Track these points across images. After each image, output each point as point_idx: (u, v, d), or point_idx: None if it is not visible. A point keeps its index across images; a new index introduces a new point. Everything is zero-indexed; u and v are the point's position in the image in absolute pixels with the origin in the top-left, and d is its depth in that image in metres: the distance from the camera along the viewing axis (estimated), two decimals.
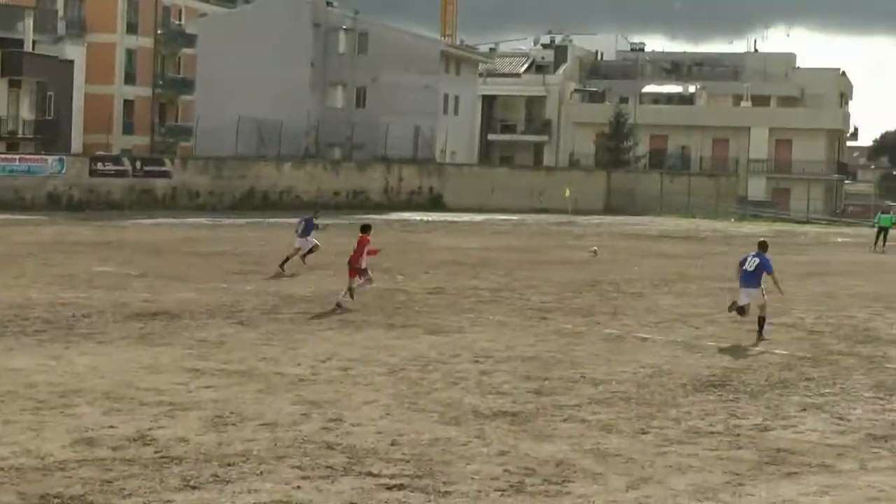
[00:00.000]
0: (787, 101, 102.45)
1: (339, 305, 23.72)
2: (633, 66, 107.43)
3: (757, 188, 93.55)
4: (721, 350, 19.72)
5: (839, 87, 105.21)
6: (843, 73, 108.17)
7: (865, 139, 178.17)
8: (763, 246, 21.76)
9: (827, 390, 16.27)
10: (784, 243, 51.10)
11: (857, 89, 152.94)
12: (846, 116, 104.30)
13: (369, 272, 24.71)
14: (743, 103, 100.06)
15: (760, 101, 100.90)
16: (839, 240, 58.73)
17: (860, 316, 25.17)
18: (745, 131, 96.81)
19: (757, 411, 14.69)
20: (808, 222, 77.33)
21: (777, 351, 19.73)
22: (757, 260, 21.31)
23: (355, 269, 24.27)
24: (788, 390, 16.19)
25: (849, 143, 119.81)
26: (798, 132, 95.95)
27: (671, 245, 48.44)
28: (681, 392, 15.85)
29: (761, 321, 21.32)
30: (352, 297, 24.37)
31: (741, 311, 21.47)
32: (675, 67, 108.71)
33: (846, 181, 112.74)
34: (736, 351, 19.68)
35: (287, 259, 31.58)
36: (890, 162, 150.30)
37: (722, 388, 16.18)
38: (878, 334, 22.38)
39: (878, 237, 51.76)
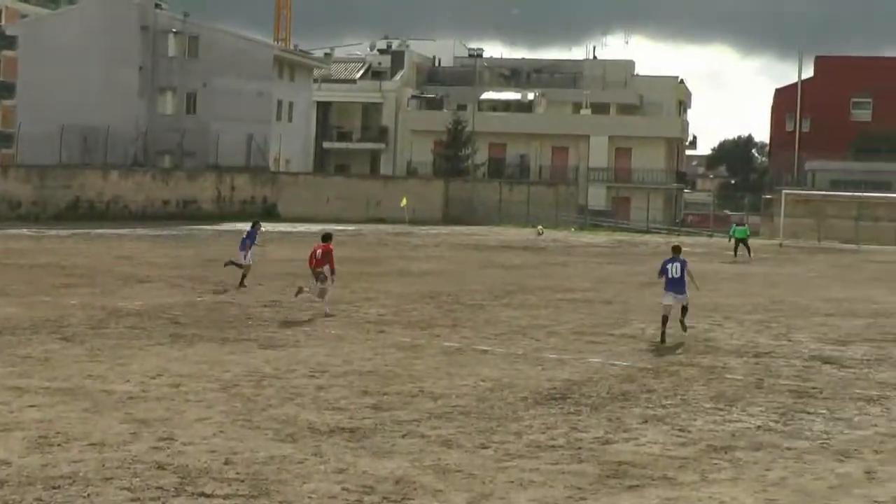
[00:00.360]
0: (627, 109, 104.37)
1: (327, 315, 25.46)
2: (472, 73, 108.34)
3: (597, 197, 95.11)
4: (562, 362, 19.98)
5: (677, 95, 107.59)
6: (682, 81, 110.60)
7: (704, 148, 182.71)
8: (678, 250, 24.07)
9: (668, 402, 16.61)
10: (624, 253, 52.16)
11: (696, 97, 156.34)
12: (685, 125, 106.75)
13: (329, 278, 26.33)
14: (582, 111, 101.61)
15: (600, 108, 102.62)
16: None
17: (700, 326, 25.77)
18: (584, 139, 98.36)
19: (598, 424, 14.92)
20: (648, 232, 78.93)
21: (618, 363, 20.09)
22: (679, 265, 23.48)
23: (317, 273, 26.29)
24: (629, 402, 16.49)
25: (687, 152, 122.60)
26: (637, 140, 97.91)
27: (511, 255, 48.95)
28: (521, 405, 16.01)
29: (685, 310, 23.67)
30: (297, 294, 26.75)
31: (665, 320, 23.18)
32: (513, 74, 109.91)
33: (685, 190, 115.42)
34: (577, 363, 19.97)
35: (244, 275, 31.69)
36: (728, 171, 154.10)
37: (563, 401, 16.40)
38: (718, 344, 22.95)
39: (736, 248, 53.79)
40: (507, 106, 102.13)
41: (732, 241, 55.48)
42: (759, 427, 15.05)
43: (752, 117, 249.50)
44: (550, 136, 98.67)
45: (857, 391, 17.92)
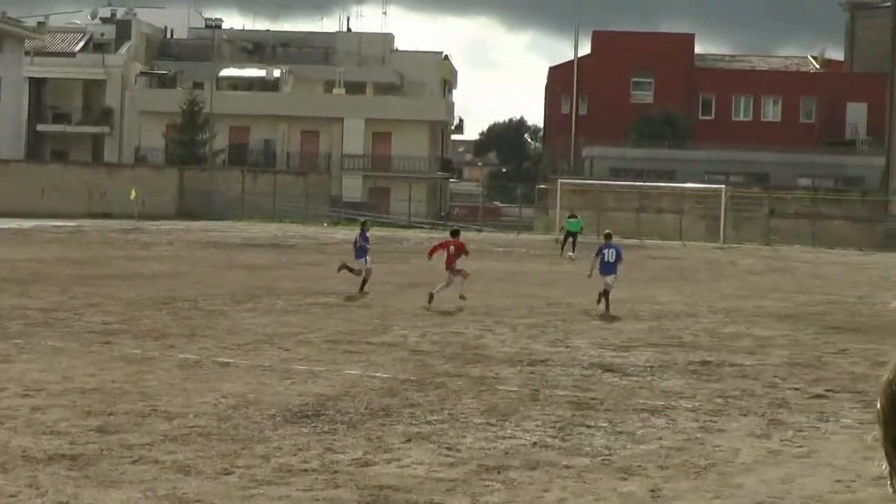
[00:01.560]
0: (385, 89, 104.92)
1: (430, 296, 30.92)
2: (209, 46, 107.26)
3: (352, 188, 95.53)
4: (314, 375, 19.98)
5: (442, 74, 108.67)
6: (446, 58, 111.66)
7: (471, 132, 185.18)
8: (609, 236, 31.95)
9: (434, 417, 16.78)
10: (384, 251, 52.48)
11: (462, 76, 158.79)
12: (450, 106, 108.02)
13: (462, 270, 32.00)
14: (335, 90, 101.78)
15: (355, 88, 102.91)
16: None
17: (469, 332, 26.14)
18: (338, 122, 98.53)
19: (356, 444, 14.97)
20: (410, 226, 79.60)
21: (378, 374, 20.19)
22: (614, 250, 30.95)
23: (450, 268, 31.91)
24: (391, 419, 16.59)
25: (453, 137, 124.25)
26: (398, 124, 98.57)
27: (256, 254, 48.72)
28: (269, 424, 15.94)
29: (607, 294, 30.83)
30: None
31: (604, 296, 30.83)
32: (257, 48, 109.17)
33: (451, 180, 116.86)
34: (331, 375, 19.99)
35: (364, 281, 34.80)
36: (499, 158, 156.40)
37: (316, 419, 16.39)
38: (489, 352, 23.31)
39: (564, 242, 54.46)
40: (249, 84, 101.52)
41: (563, 234, 56.14)
42: (534, 443, 15.32)
43: (524, 99, 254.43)
44: (299, 119, 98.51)
45: (641, 402, 18.45)
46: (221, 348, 22.67)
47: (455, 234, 33.66)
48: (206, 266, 41.67)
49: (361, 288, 34.47)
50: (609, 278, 31.22)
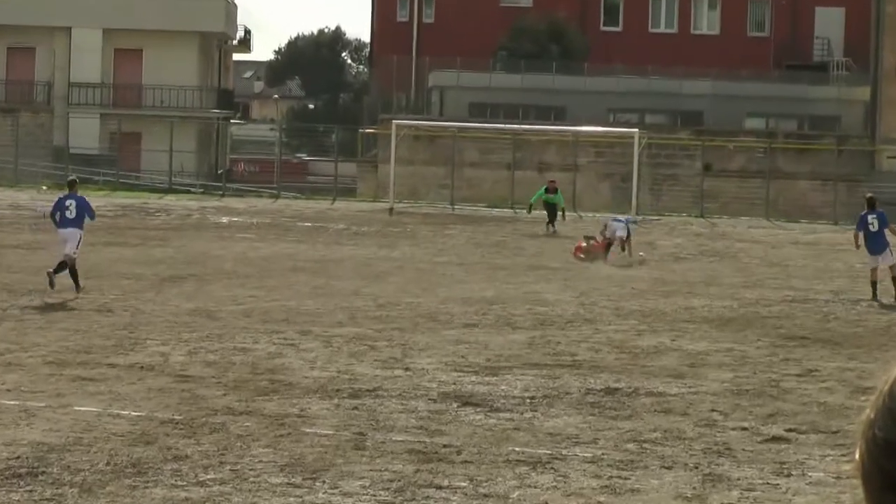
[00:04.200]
0: None
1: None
2: None
3: (85, 133, 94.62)
4: (30, 414, 19.79)
5: None
6: None
7: (263, 50, 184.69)
8: (873, 202, 37.37)
9: (210, 476, 16.72)
10: (133, 227, 52.18)
11: None
12: (231, 11, 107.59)
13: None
14: None
15: None
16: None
17: (261, 348, 26.07)
18: (62, 34, 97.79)
19: None
20: (171, 191, 79.33)
21: (125, 412, 20.05)
22: (877, 217, 36.94)
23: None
24: (146, 478, 16.51)
25: (236, 57, 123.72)
26: (152, 36, 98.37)
27: None
28: None
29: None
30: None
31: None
32: None
33: (234, 121, 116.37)
34: (57, 414, 19.81)
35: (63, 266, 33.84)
36: (303, 88, 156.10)
37: (33, 480, 16.27)
38: (291, 377, 23.25)
39: (552, 220, 55.47)
40: None
41: (534, 208, 57.44)
42: None
43: (341, 1, 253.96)
44: (3, 30, 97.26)
45: (517, 450, 18.54)
46: None
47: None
48: None
49: (53, 273, 33.52)
50: (883, 256, 36.91)
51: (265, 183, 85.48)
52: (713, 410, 21.56)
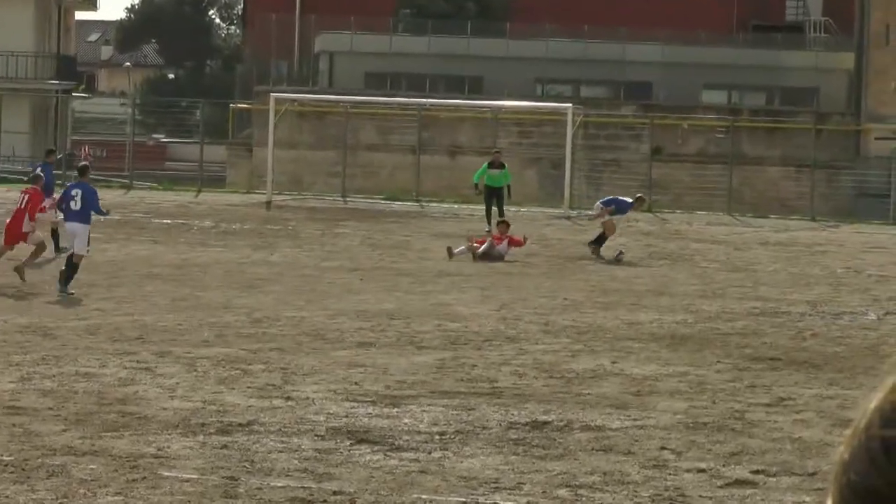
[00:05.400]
0: None
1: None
2: None
3: None
4: None
5: None
6: None
7: (112, 8, 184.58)
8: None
9: None
10: None
11: None
12: None
13: None
14: None
15: None
16: None
17: (109, 373, 26.02)
18: None
19: None
20: (1, 179, 79.05)
21: None
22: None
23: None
24: None
25: (79, 16, 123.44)
26: None
27: None
28: None
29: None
30: None
31: None
32: None
33: (77, 94, 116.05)
34: None
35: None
36: (161, 55, 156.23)
37: None
38: (146, 409, 23.22)
39: (490, 208, 55.15)
40: None
41: (478, 191, 57.06)
42: None
43: None
44: None
45: (423, 497, 18.60)
46: None
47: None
48: None
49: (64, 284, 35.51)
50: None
51: (114, 170, 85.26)
52: (664, 448, 21.65)
